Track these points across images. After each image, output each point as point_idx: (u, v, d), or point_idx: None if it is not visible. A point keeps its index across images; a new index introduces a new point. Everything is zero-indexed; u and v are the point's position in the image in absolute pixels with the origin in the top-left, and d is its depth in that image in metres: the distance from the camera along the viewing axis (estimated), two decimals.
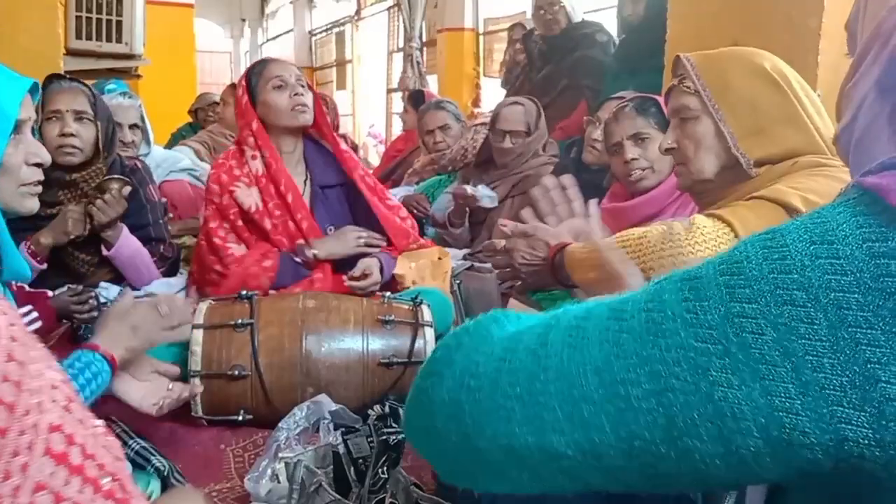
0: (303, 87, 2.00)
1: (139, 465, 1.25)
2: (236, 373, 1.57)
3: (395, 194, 3.39)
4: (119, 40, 3.65)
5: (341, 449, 1.33)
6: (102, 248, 1.94)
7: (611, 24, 3.72)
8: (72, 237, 1.88)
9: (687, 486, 0.54)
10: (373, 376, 1.65)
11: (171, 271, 2.18)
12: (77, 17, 3.50)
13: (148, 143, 2.83)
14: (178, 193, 2.81)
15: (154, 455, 1.27)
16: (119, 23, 3.64)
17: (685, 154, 1.25)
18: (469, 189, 2.65)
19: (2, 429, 0.36)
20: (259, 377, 1.58)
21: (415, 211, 3.19)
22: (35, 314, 1.58)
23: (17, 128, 1.17)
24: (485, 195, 2.65)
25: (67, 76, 2.08)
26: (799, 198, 1.09)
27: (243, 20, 13.79)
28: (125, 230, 1.98)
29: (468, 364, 0.56)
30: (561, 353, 0.51)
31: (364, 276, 1.93)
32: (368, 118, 9.92)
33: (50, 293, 1.69)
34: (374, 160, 6.28)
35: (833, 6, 1.79)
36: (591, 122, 2.39)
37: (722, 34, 2.01)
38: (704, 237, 1.12)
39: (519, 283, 1.38)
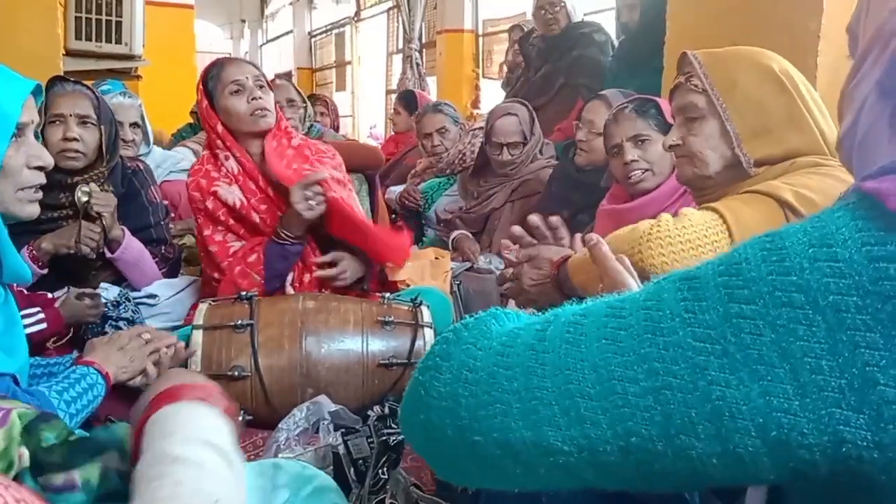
0: (262, 87, 1.95)
1: None
2: (236, 374, 1.57)
3: (393, 191, 3.40)
4: (119, 41, 3.65)
5: (341, 449, 1.33)
6: (106, 250, 1.94)
7: (610, 25, 3.74)
8: (72, 252, 1.86)
9: (683, 484, 0.54)
10: (372, 377, 1.65)
11: (172, 272, 2.18)
12: (76, 17, 3.50)
13: (147, 142, 2.84)
14: (179, 193, 2.82)
15: None
16: (119, 23, 3.64)
17: (690, 150, 1.25)
18: (482, 261, 2.56)
19: None
20: (259, 378, 1.58)
21: (408, 202, 3.20)
22: (41, 316, 1.58)
23: (20, 130, 1.16)
24: (492, 265, 2.55)
25: (71, 79, 2.08)
26: (791, 192, 1.10)
27: (243, 21, 13.80)
28: (128, 233, 1.98)
29: (466, 358, 0.56)
30: (559, 349, 0.52)
31: (332, 264, 1.91)
32: (368, 119, 9.94)
33: (49, 295, 1.68)
34: None
35: (832, 8, 1.79)
36: (577, 124, 2.39)
37: (721, 36, 2.01)
38: (692, 222, 1.13)
39: (531, 306, 1.38)
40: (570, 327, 0.53)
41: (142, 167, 2.21)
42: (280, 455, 1.34)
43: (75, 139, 1.91)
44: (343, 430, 1.42)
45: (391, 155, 4.09)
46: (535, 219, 1.38)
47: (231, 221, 1.96)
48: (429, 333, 1.70)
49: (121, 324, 1.78)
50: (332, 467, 1.33)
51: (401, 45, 7.63)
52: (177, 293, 2.05)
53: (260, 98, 1.92)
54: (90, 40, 3.55)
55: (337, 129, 4.36)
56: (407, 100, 4.38)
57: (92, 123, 1.96)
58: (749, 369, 0.44)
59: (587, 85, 3.28)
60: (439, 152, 3.30)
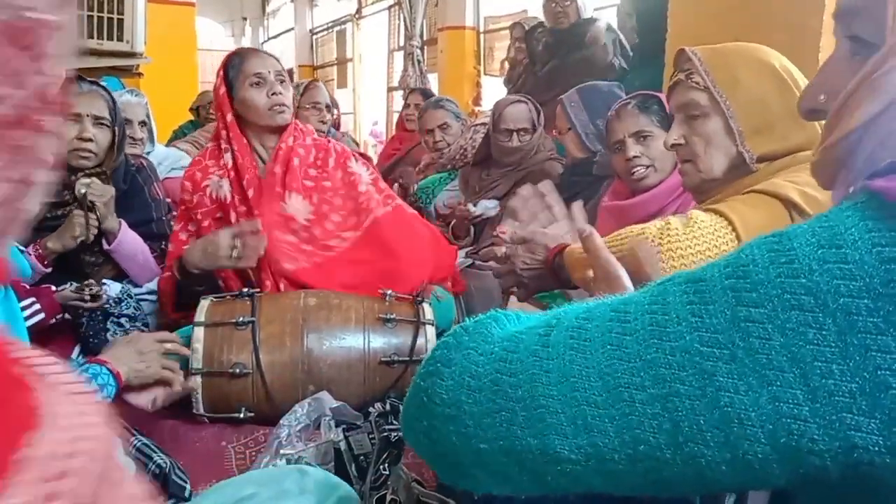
0: (282, 82, 1.93)
1: (141, 461, 1.25)
2: (237, 370, 1.57)
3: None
4: (120, 38, 3.64)
5: (342, 445, 1.33)
6: (104, 241, 1.94)
7: (613, 21, 3.72)
8: (80, 241, 1.87)
9: (691, 490, 0.54)
10: (374, 374, 1.65)
11: None
12: (78, 14, 3.49)
13: (152, 140, 2.85)
14: (180, 190, 2.82)
15: (155, 452, 1.27)
16: (120, 21, 3.63)
17: (693, 151, 1.24)
18: (472, 209, 2.64)
19: None
20: (260, 375, 1.58)
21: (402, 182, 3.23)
22: (37, 307, 1.58)
23: None
24: (487, 207, 2.65)
25: (87, 79, 2.08)
26: (796, 191, 1.09)
27: (244, 19, 13.77)
28: (125, 225, 1.99)
29: (468, 364, 0.55)
30: (563, 356, 0.51)
31: None
32: (369, 117, 9.91)
33: (53, 288, 1.69)
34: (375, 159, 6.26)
35: (833, 5, 1.78)
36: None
37: (722, 33, 1.99)
38: (702, 230, 1.12)
39: (521, 289, 1.38)
40: (573, 332, 0.52)
41: (145, 164, 2.22)
42: (282, 451, 1.34)
43: (90, 139, 1.93)
44: (344, 426, 1.42)
45: (396, 150, 4.09)
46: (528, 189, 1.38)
47: (206, 223, 1.92)
48: (430, 331, 1.69)
49: (122, 320, 1.78)
50: (333, 463, 1.32)
51: (402, 43, 7.61)
52: None
53: (280, 93, 1.90)
54: (91, 38, 3.55)
55: (338, 126, 4.35)
56: (429, 96, 4.34)
57: (106, 125, 1.98)
58: (758, 374, 0.43)
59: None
60: (441, 148, 3.30)
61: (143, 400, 1.32)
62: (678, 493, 0.50)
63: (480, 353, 0.55)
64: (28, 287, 1.64)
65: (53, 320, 1.65)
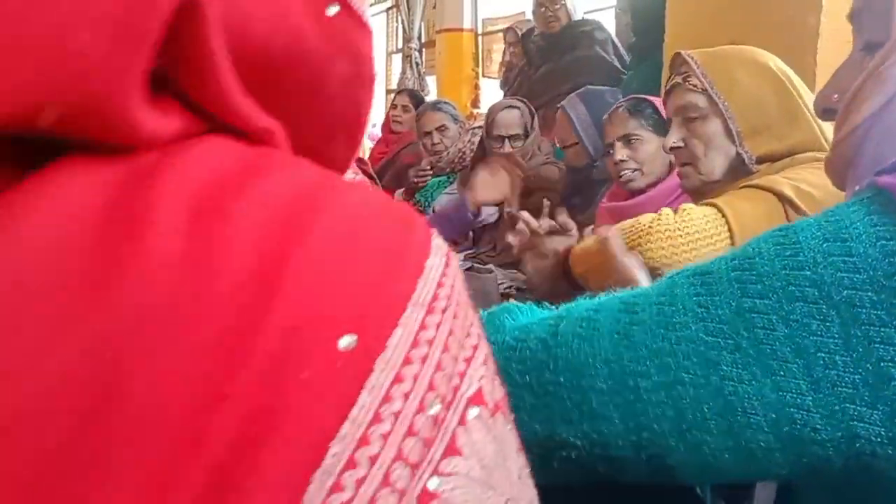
0: None
1: None
2: None
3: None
4: None
5: None
6: None
7: (610, 23, 3.73)
8: None
9: (694, 479, 0.54)
10: None
11: None
12: None
13: None
14: None
15: None
16: None
17: (693, 153, 1.25)
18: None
19: None
20: None
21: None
22: None
23: None
24: (486, 213, 2.59)
25: None
26: (791, 187, 1.10)
27: None
28: None
29: None
30: (571, 344, 0.52)
31: None
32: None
33: None
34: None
35: (831, 5, 1.79)
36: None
37: (720, 34, 2.00)
38: (693, 219, 1.13)
39: (531, 293, 1.38)
40: (582, 322, 0.53)
41: None
42: None
43: None
44: None
45: (383, 154, 4.08)
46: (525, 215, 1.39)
47: None
48: None
49: None
50: None
51: (400, 45, 7.62)
52: None
53: None
54: None
55: None
56: (417, 98, 4.34)
57: None
58: (762, 364, 0.44)
59: (591, 84, 3.28)
60: (439, 150, 3.30)
61: None
62: (681, 481, 0.51)
63: (492, 342, 0.56)
64: None
65: None
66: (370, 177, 2.77)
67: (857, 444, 0.42)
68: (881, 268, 0.42)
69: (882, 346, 0.41)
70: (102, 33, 0.23)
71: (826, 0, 1.79)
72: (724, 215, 1.13)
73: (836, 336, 0.42)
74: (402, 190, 3.36)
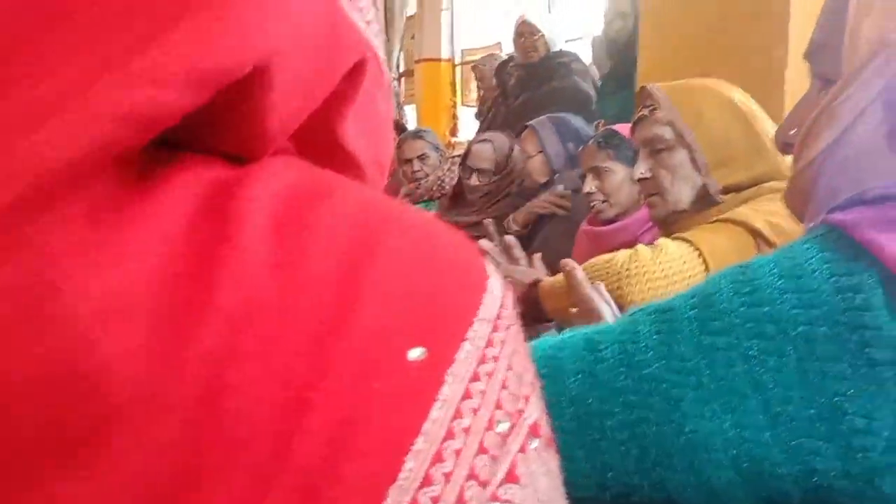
0: None
1: None
2: None
3: None
4: None
5: None
6: None
7: (586, 53, 3.80)
8: None
9: None
10: None
11: None
12: None
13: None
14: None
15: None
16: None
17: (660, 184, 1.28)
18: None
19: None
20: None
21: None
22: None
23: None
24: None
25: None
26: (761, 220, 1.13)
27: None
28: None
29: None
30: None
31: None
32: None
33: None
34: None
35: (798, 38, 1.84)
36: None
37: (690, 63, 2.05)
38: (670, 257, 1.15)
39: None
40: (546, 361, 0.53)
41: None
42: None
43: None
44: None
45: None
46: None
47: None
48: None
49: None
50: None
51: None
52: None
53: None
54: None
55: None
56: (400, 128, 4.37)
57: None
58: (722, 401, 0.45)
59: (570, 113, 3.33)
60: (419, 178, 3.31)
61: None
62: None
63: None
64: None
65: None
66: None
67: (815, 478, 0.42)
68: (834, 303, 0.43)
69: (836, 381, 0.42)
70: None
71: (793, 33, 1.84)
72: (698, 249, 1.15)
73: (793, 371, 0.43)
74: None
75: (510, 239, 1.41)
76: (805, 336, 0.43)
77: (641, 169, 1.30)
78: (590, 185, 1.81)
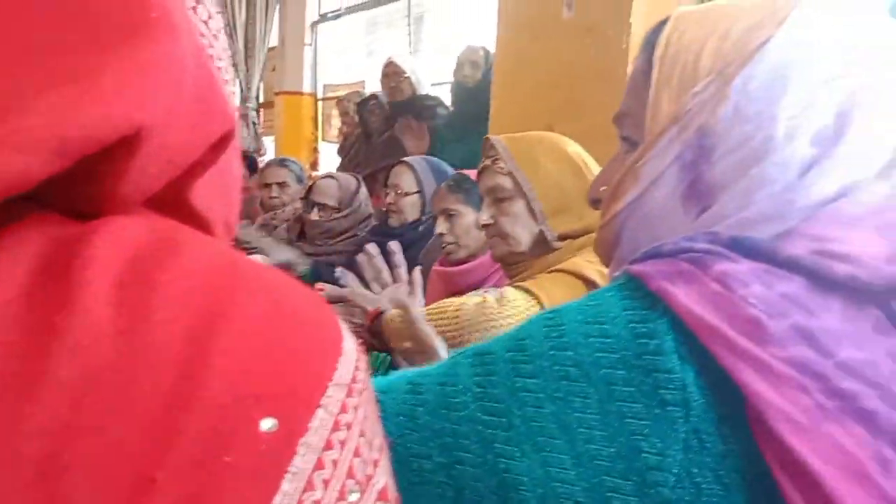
0: None
1: None
2: None
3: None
4: None
5: None
6: None
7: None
8: None
9: None
10: None
11: None
12: None
13: None
14: None
15: None
16: None
17: (502, 230, 1.34)
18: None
19: None
20: None
21: None
22: None
23: None
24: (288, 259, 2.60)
25: None
26: (595, 271, 1.22)
27: None
28: None
29: None
30: None
31: None
32: None
33: None
34: None
35: None
36: (385, 190, 2.49)
37: (538, 113, 2.17)
38: (515, 309, 1.21)
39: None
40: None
41: None
42: None
43: None
44: None
45: None
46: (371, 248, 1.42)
47: None
48: None
49: None
50: None
51: (237, 103, 7.49)
52: None
53: None
54: None
55: None
56: (248, 159, 4.26)
57: None
58: (532, 441, 0.47)
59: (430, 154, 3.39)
60: (276, 206, 3.23)
61: None
62: None
63: None
64: None
65: None
66: None
67: None
68: (631, 348, 0.47)
69: (633, 421, 0.45)
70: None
71: None
72: (538, 301, 1.22)
73: (595, 412, 0.46)
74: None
75: (392, 244, 1.43)
76: (606, 379, 0.46)
77: (485, 216, 1.37)
78: (441, 227, 1.85)
